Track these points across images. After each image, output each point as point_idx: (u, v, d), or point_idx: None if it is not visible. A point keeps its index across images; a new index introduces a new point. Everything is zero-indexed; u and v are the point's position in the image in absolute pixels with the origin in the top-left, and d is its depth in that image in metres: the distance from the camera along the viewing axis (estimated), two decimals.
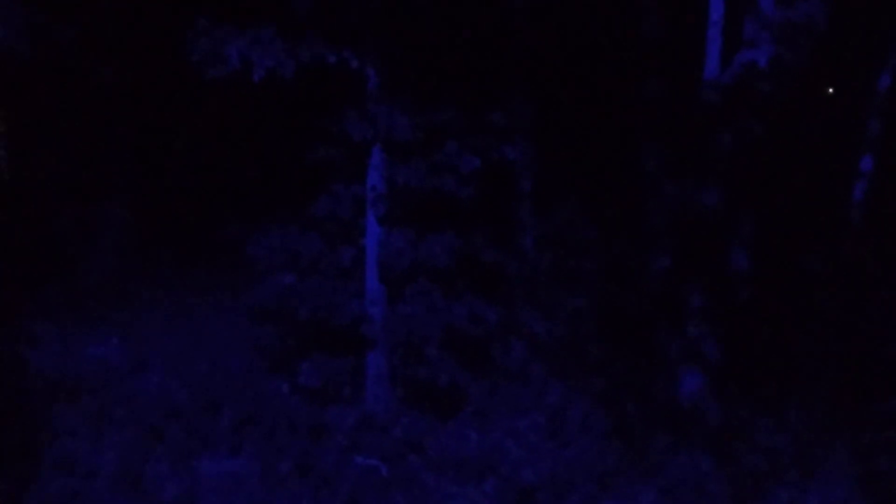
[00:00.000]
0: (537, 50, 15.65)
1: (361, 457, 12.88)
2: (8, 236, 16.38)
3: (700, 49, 13.56)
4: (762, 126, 13.77)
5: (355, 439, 13.17)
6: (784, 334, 14.82)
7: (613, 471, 12.76)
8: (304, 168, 14.26)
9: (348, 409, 13.71)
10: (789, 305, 15.26)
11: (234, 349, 14.90)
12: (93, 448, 12.31)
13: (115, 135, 17.60)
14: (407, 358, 13.91)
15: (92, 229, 17.52)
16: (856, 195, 16.28)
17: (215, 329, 15.53)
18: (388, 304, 14.02)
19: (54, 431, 12.57)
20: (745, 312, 14.47)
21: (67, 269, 16.94)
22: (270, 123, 16.06)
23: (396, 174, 13.87)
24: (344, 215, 14.11)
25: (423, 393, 13.86)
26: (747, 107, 13.64)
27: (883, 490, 12.45)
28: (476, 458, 13.08)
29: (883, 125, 16.15)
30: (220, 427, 13.10)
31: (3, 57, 12.49)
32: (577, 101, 16.23)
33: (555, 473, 12.70)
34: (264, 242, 14.18)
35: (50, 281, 16.35)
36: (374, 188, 13.91)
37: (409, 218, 14.05)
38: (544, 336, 14.94)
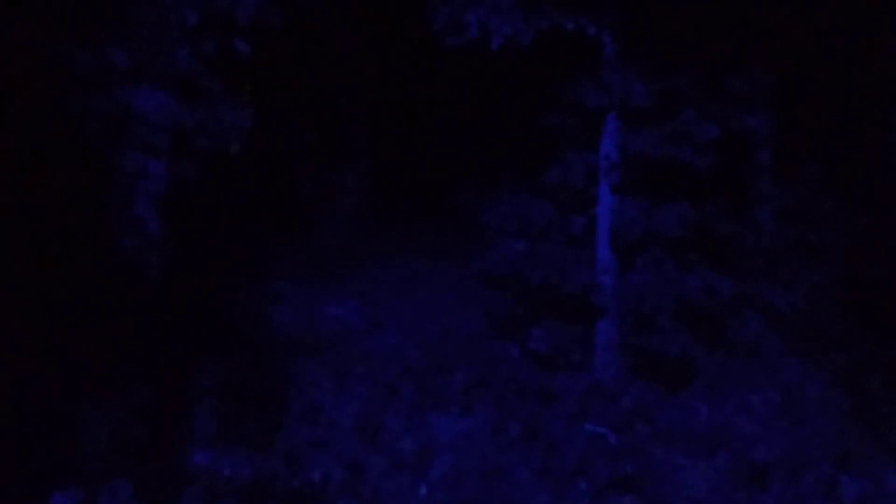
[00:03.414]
0: (780, 12, 15.07)
1: (590, 424, 12.89)
2: (255, 201, 17.24)
3: None
4: None
5: (584, 406, 13.19)
6: None
7: (853, 451, 12.26)
8: (537, 135, 14.33)
9: (577, 375, 13.74)
10: None
11: (465, 313, 15.19)
12: (334, 401, 12.86)
13: (353, 102, 18.18)
14: (637, 327, 13.80)
15: (331, 195, 18.22)
16: None
17: (447, 293, 15.87)
18: (619, 274, 13.94)
19: (298, 384, 13.21)
20: None
21: (308, 233, 17.68)
22: (505, 90, 16.18)
23: (631, 142, 13.74)
24: (576, 183, 14.09)
25: (653, 363, 13.73)
26: None
27: None
28: (706, 432, 12.85)
29: None
30: (452, 387, 13.40)
31: (257, 28, 13.11)
32: (823, 66, 15.53)
33: (790, 452, 12.31)
34: (496, 209, 14.39)
35: (292, 244, 17.13)
36: (607, 157, 13.84)
37: (642, 187, 13.89)
38: (782, 310, 14.48)
